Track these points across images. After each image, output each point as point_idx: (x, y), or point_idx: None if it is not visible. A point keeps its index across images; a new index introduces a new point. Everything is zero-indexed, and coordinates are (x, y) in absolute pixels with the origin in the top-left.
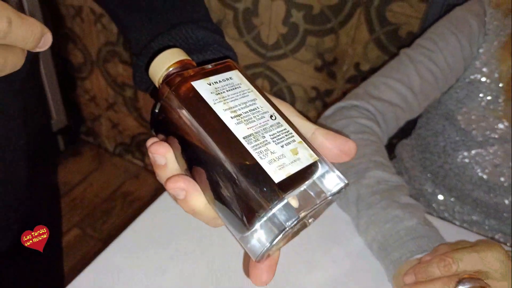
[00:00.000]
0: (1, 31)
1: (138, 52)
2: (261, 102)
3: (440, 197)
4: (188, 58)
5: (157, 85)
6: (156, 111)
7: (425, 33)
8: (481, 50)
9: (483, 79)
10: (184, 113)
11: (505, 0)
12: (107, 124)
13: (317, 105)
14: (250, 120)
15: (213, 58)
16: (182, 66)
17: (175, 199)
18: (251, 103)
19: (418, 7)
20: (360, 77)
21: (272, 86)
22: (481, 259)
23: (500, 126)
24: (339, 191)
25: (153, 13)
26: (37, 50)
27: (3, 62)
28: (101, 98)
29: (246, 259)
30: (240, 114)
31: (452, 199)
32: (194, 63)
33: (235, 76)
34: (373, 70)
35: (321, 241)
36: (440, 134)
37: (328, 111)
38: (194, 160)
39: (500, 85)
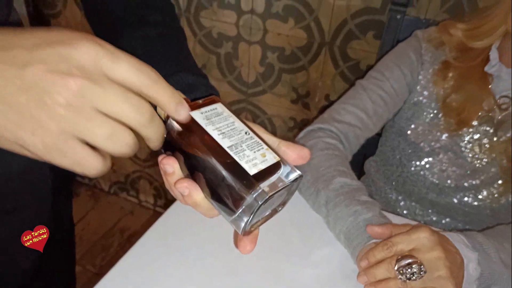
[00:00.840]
0: (146, 120)
1: None
2: (238, 123)
3: (402, 202)
4: (184, 96)
5: (163, 118)
6: (165, 135)
7: (375, 66)
8: (420, 77)
9: (424, 100)
10: (185, 132)
11: (435, 36)
12: None
13: (295, 133)
14: (231, 136)
15: (201, 96)
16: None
17: (181, 196)
18: (231, 124)
19: (373, 44)
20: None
21: (254, 119)
22: (412, 240)
23: (442, 137)
24: (296, 180)
25: (154, 65)
26: (154, 148)
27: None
28: None
29: (236, 235)
30: (224, 132)
31: (413, 203)
32: (189, 100)
33: (219, 107)
34: None
35: (305, 243)
36: (396, 148)
37: (301, 134)
38: (194, 166)
39: (438, 104)
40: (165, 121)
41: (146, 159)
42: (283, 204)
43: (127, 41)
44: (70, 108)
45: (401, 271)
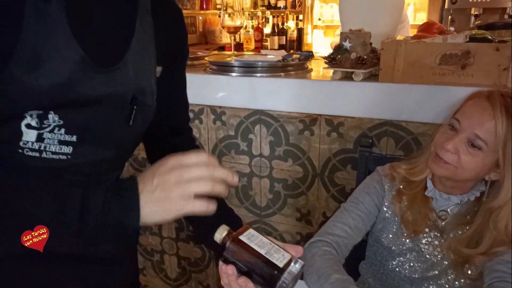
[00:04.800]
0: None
1: (198, 226)
2: (264, 239)
3: None
4: (229, 228)
5: (219, 241)
6: (224, 253)
7: (352, 193)
8: (384, 200)
9: (389, 216)
10: (238, 248)
11: (388, 172)
12: None
13: (302, 246)
14: (264, 246)
15: (236, 226)
16: (230, 231)
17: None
18: (261, 239)
19: (352, 173)
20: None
21: (268, 235)
22: None
23: (407, 241)
24: (302, 268)
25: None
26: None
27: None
28: None
29: None
30: (260, 245)
31: None
32: (233, 231)
33: (251, 231)
34: None
35: None
36: (376, 252)
37: (306, 246)
38: (245, 267)
39: (399, 219)
40: (223, 244)
41: (176, 278)
42: (295, 281)
43: None
44: None
45: None
